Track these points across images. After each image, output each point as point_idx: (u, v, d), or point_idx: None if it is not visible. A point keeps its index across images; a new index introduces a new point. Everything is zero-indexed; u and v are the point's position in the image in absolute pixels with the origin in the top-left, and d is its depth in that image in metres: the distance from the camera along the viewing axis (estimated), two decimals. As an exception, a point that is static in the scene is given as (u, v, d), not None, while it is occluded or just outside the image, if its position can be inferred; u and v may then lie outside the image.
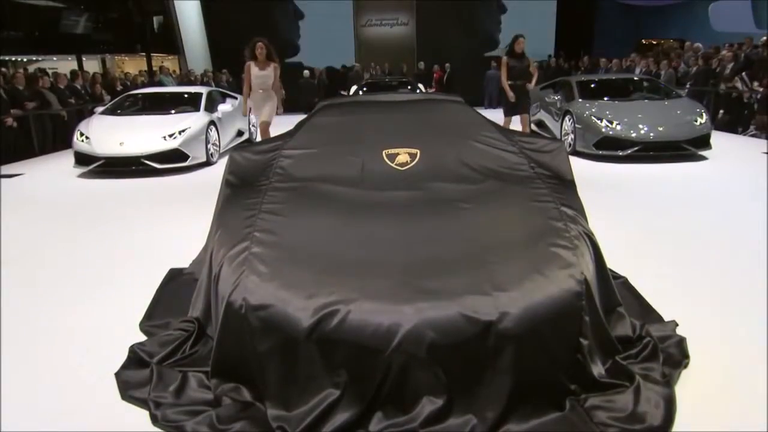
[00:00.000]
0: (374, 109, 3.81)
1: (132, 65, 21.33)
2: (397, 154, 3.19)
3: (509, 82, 7.47)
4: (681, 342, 2.57)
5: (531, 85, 7.62)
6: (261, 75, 6.67)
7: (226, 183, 3.20)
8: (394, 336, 2.03)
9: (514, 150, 3.24)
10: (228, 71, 17.28)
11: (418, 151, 3.20)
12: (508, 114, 7.71)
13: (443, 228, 2.61)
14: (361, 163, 3.14)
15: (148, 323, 3.00)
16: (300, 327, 2.10)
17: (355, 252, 2.45)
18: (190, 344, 2.65)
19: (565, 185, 3.03)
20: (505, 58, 7.52)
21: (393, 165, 3.13)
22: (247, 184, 3.08)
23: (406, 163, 3.14)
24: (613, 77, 9.47)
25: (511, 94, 7.43)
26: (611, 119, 7.51)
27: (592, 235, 2.62)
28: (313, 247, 2.49)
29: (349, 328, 2.07)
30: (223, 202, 3.07)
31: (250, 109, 7.27)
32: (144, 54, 19.54)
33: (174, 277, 3.65)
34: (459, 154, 3.19)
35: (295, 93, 17.25)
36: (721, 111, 10.35)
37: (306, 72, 17.06)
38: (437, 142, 3.29)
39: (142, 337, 2.86)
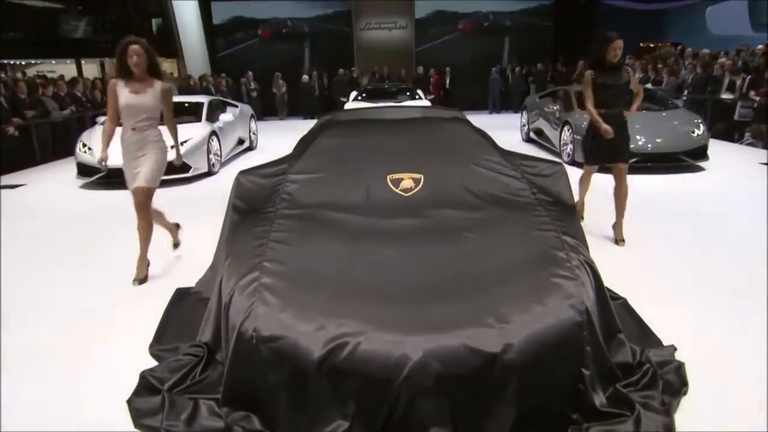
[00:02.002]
0: (377, 131, 3.87)
1: (131, 68, 21.31)
2: (401, 179, 3.25)
3: (601, 111, 4.52)
4: (680, 368, 2.64)
5: (632, 112, 4.76)
6: (136, 103, 3.81)
7: (234, 208, 3.25)
8: (403, 368, 2.09)
9: (516, 174, 3.31)
10: (227, 75, 17.37)
11: (422, 177, 3.26)
12: (592, 161, 4.88)
13: (447, 257, 2.68)
14: (366, 188, 3.20)
15: (157, 347, 3.05)
16: (310, 359, 2.16)
17: (363, 282, 2.52)
18: (199, 370, 2.70)
19: (566, 211, 3.09)
20: (588, 74, 4.57)
21: (397, 191, 3.19)
22: (255, 210, 3.14)
23: (410, 189, 3.20)
24: (612, 87, 9.54)
25: (606, 128, 4.43)
26: (609, 130, 7.55)
27: (593, 263, 2.69)
28: (322, 278, 2.55)
29: (358, 360, 2.13)
30: (232, 229, 3.12)
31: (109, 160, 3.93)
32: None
33: (181, 296, 3.70)
34: (462, 180, 3.26)
35: (296, 97, 17.39)
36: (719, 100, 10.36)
37: (305, 77, 17.08)
38: (440, 166, 3.36)
39: (150, 357, 2.95)
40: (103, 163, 3.85)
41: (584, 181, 5.12)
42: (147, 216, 4.03)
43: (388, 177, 3.26)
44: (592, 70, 4.57)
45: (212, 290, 3.33)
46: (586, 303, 2.36)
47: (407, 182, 3.23)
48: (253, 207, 3.17)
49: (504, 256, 2.67)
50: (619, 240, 4.69)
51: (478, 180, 3.26)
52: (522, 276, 2.51)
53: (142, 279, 4.05)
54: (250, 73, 17.21)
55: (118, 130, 3.98)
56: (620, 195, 4.73)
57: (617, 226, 4.74)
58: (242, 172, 3.48)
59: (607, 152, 4.67)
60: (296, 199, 3.16)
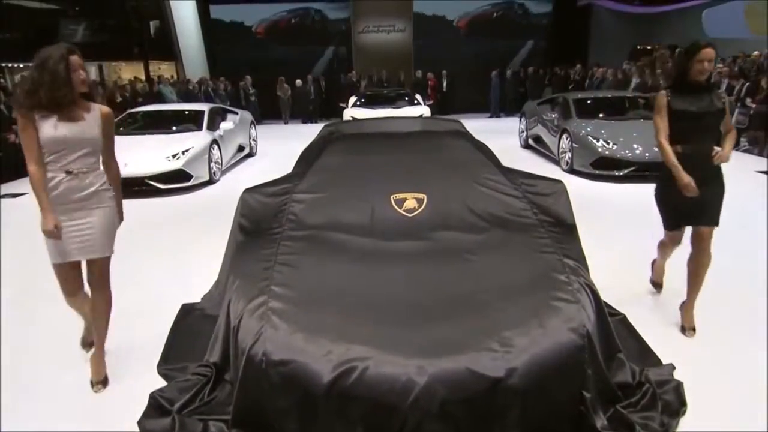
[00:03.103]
0: (380, 148, 3.92)
1: (129, 71, 21.34)
2: (405, 199, 3.31)
3: (677, 148, 3.23)
4: (678, 387, 2.70)
5: (724, 157, 3.21)
6: (72, 136, 2.70)
7: (239, 227, 3.30)
8: (410, 393, 2.16)
9: (517, 194, 3.37)
10: (225, 78, 17.39)
11: (425, 197, 3.33)
12: (672, 226, 3.49)
13: (451, 280, 2.75)
14: (370, 209, 3.26)
15: (165, 366, 3.10)
16: (319, 383, 2.22)
17: (370, 305, 2.58)
18: (208, 390, 2.76)
19: (567, 232, 3.16)
20: (662, 95, 3.28)
21: (401, 211, 3.25)
22: (261, 230, 3.19)
23: (414, 209, 3.26)
24: (609, 95, 9.62)
25: (687, 182, 3.13)
26: (607, 139, 7.65)
27: (593, 285, 2.75)
28: (329, 301, 2.61)
29: (366, 384, 2.20)
30: (239, 249, 3.17)
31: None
32: (141, 61, 19.66)
33: (187, 313, 3.75)
34: (464, 200, 3.32)
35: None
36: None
37: (298, 81, 16.96)
38: (443, 186, 3.42)
39: (156, 372, 3.04)
40: (56, 229, 2.67)
41: (663, 248, 3.70)
42: (108, 288, 2.97)
43: (392, 197, 3.32)
44: (669, 89, 3.28)
45: (218, 307, 3.40)
46: (587, 326, 2.43)
47: (411, 202, 3.29)
48: (258, 227, 3.22)
49: (506, 279, 2.73)
50: (687, 328, 3.37)
51: (480, 200, 3.33)
52: (524, 299, 2.58)
53: (103, 380, 2.96)
54: (249, 77, 17.19)
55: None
56: (697, 266, 3.34)
57: (686, 308, 3.43)
58: (247, 191, 3.52)
59: (685, 210, 3.28)
60: (302, 220, 3.21)
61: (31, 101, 2.63)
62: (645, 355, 3.08)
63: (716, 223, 3.30)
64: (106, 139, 2.86)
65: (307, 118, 17.07)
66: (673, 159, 3.21)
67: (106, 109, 2.90)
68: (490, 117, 17.18)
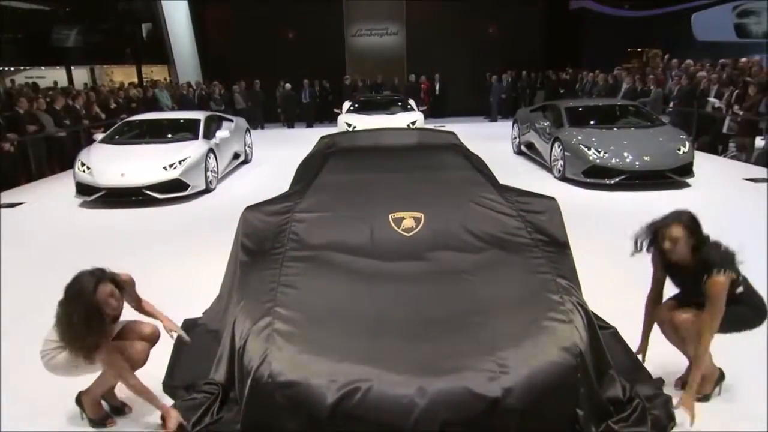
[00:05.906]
0: (378, 165, 4.02)
1: (121, 74, 21.30)
2: (403, 218, 3.40)
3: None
4: (667, 402, 2.80)
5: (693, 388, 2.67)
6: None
7: (242, 247, 3.37)
8: (411, 414, 2.26)
9: (512, 213, 3.46)
10: (219, 82, 17.37)
11: (422, 216, 3.42)
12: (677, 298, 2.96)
13: (449, 301, 2.85)
14: (369, 228, 3.34)
15: (171, 384, 3.17)
16: (324, 404, 2.31)
17: (371, 326, 2.68)
18: (215, 409, 2.83)
19: (560, 251, 3.26)
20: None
21: (399, 230, 3.34)
22: (264, 251, 3.27)
23: (412, 228, 3.35)
24: (600, 104, 9.75)
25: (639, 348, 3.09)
26: (598, 148, 7.78)
27: (585, 304, 2.86)
28: (332, 322, 2.71)
29: (369, 405, 2.30)
30: (242, 269, 3.25)
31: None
32: (134, 64, 19.68)
33: (189, 328, 3.81)
34: (460, 219, 3.41)
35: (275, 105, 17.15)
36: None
37: (287, 85, 16.90)
38: (439, 204, 3.51)
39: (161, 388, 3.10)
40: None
41: (654, 319, 3.02)
42: None
43: (390, 216, 3.41)
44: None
45: (220, 322, 3.49)
46: (580, 346, 2.54)
47: (408, 221, 3.38)
48: (261, 247, 3.30)
49: (502, 299, 2.84)
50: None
51: (475, 219, 3.41)
52: (519, 320, 2.68)
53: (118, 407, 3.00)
54: (243, 82, 17.19)
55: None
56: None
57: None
58: (248, 209, 3.58)
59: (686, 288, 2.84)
60: (303, 240, 3.29)
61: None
62: (635, 369, 3.19)
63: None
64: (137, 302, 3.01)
65: (295, 122, 17.00)
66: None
67: (123, 283, 2.75)
68: (491, 121, 17.22)
